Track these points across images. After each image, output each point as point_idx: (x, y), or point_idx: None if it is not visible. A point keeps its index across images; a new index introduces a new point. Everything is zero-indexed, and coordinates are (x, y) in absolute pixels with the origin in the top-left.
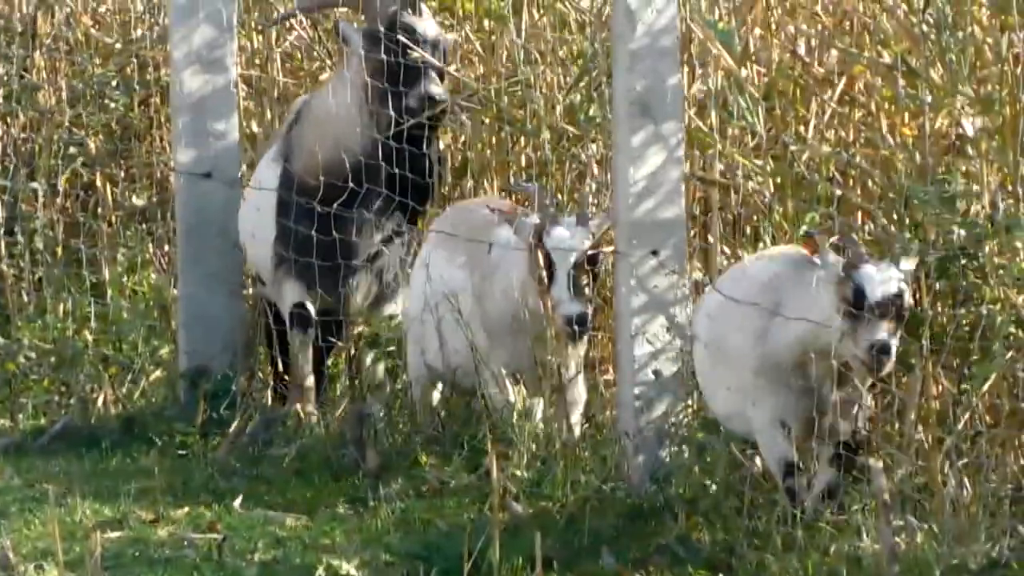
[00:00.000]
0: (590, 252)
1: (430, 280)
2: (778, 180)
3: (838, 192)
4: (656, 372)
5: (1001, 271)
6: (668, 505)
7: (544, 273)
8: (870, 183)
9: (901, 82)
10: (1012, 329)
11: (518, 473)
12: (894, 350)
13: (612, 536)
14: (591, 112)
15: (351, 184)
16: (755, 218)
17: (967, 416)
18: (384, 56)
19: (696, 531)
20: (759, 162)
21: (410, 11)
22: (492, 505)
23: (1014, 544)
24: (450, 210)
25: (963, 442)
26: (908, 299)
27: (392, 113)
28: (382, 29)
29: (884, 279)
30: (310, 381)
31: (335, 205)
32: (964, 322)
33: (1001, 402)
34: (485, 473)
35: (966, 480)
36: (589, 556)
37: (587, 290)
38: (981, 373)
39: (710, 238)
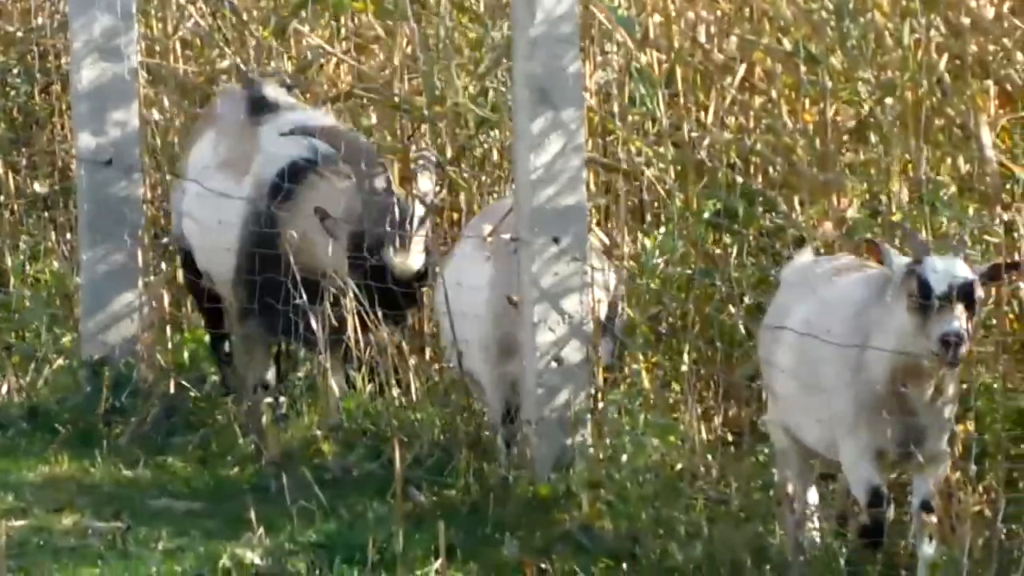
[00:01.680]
0: None
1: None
2: (679, 167)
3: (739, 179)
4: (558, 359)
5: None
6: (571, 494)
7: None
8: (771, 169)
9: (802, 69)
10: None
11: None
12: (967, 339)
13: (515, 525)
14: (492, 99)
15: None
16: (656, 204)
17: None
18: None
19: (600, 520)
20: (660, 149)
21: (396, 247)
22: (395, 494)
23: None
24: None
25: None
26: (978, 288)
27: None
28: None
29: (948, 268)
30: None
31: None
32: None
33: None
34: (388, 462)
35: None
36: (492, 545)
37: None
38: None
39: (612, 225)
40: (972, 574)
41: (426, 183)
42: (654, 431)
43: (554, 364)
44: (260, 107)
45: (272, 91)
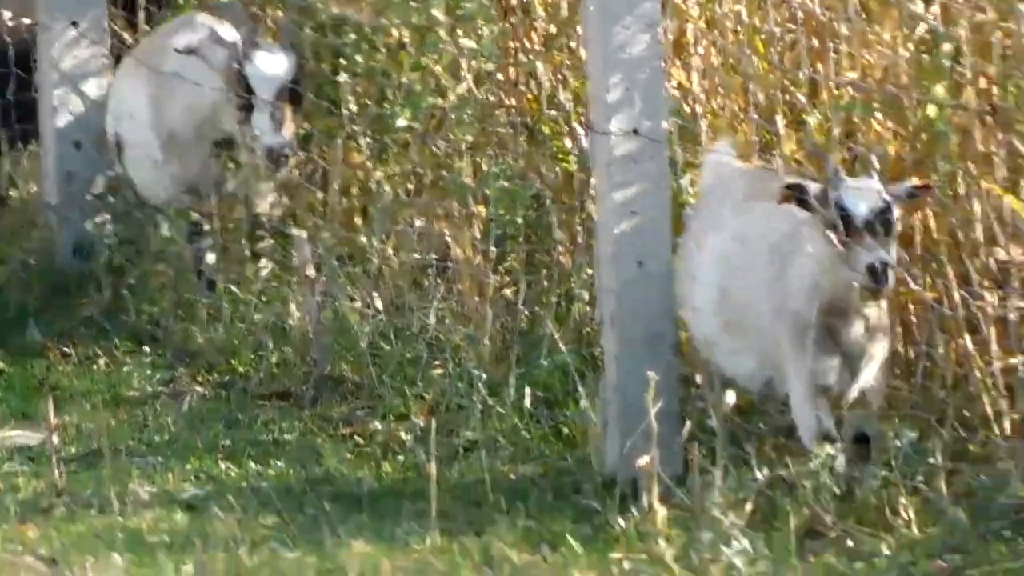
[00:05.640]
0: None
1: None
2: None
3: None
4: (77, 143)
5: None
6: (94, 277)
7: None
8: None
9: None
10: None
11: None
12: (891, 269)
13: (38, 309)
14: None
15: None
16: None
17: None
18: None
19: (122, 304)
20: None
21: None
22: None
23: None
24: None
25: None
26: (896, 213)
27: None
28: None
29: (866, 194)
30: None
31: None
32: None
33: None
34: None
35: None
36: (16, 329)
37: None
38: None
39: None
40: (494, 355)
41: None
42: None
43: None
44: None
45: None
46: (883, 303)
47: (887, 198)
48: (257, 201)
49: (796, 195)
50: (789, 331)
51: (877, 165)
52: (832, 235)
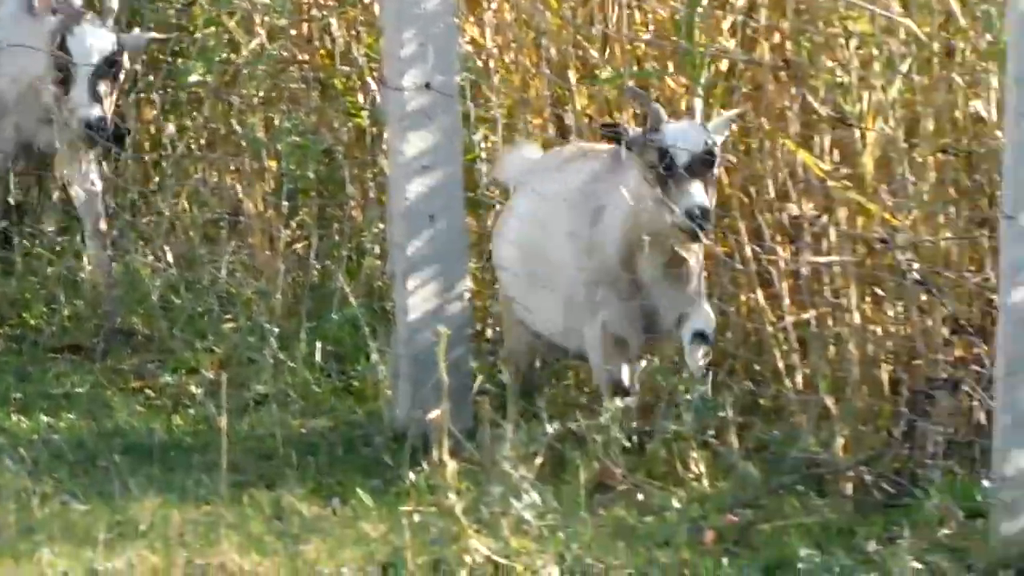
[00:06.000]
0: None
1: None
2: None
3: None
4: None
5: None
6: None
7: None
8: None
9: None
10: None
11: None
12: (712, 211)
13: None
14: None
15: None
16: None
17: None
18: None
19: None
20: None
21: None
22: None
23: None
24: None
25: None
26: (718, 154)
27: None
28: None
29: (690, 136)
30: None
31: None
32: None
33: None
34: None
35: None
36: None
37: None
38: None
39: None
40: (285, 309)
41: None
42: None
43: None
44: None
45: None
46: (699, 250)
47: (709, 140)
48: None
49: (612, 134)
50: (588, 283)
51: (700, 105)
52: (651, 178)
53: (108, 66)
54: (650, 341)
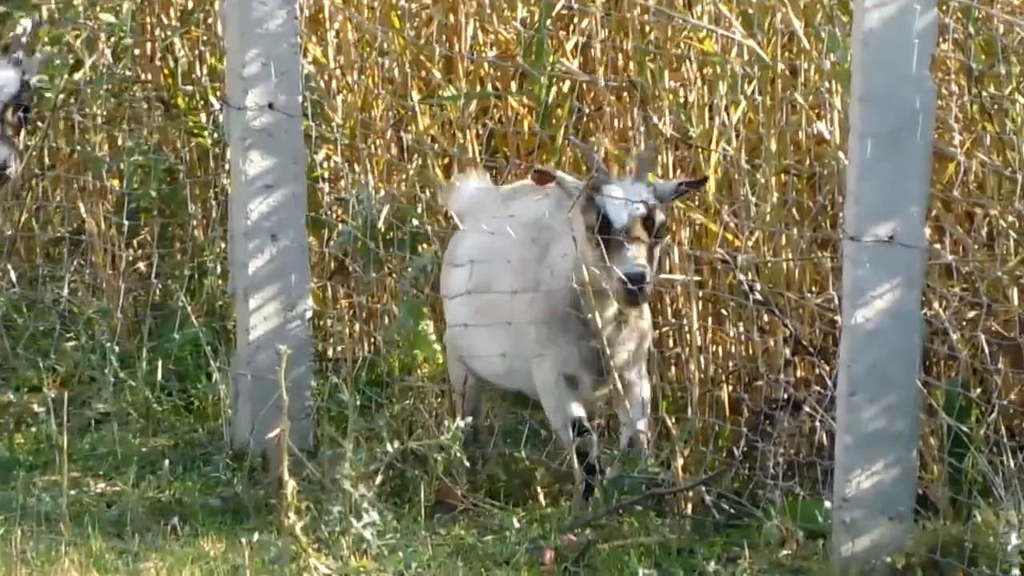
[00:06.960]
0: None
1: None
2: None
3: None
4: None
5: None
6: None
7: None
8: None
9: None
10: None
11: None
12: (649, 277)
13: None
14: None
15: None
16: None
17: None
18: None
19: None
20: None
21: None
22: None
23: None
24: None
25: None
26: (660, 213)
27: None
28: None
29: (628, 198)
30: None
31: None
32: None
33: None
34: None
35: None
36: None
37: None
38: None
39: None
40: (127, 328)
41: None
42: None
43: None
44: None
45: None
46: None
47: (652, 203)
48: None
49: (547, 179)
50: (541, 318)
51: (647, 163)
52: (591, 238)
53: (15, 106)
54: (600, 381)
